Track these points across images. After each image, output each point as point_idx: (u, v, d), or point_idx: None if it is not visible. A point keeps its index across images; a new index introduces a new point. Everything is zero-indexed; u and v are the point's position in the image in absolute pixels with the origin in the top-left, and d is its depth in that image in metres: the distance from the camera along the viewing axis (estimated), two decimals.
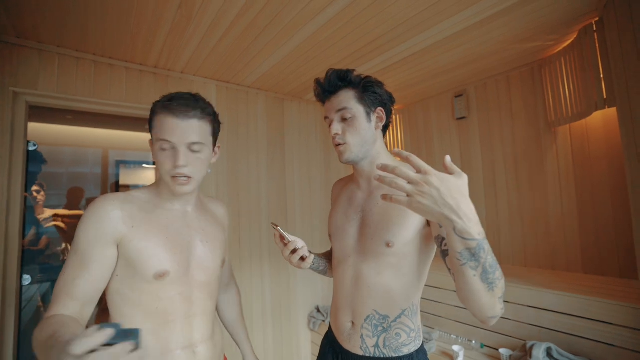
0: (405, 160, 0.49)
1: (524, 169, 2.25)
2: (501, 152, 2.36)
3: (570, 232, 2.04)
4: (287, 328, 2.46)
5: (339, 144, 0.81)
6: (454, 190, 0.47)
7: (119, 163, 3.44)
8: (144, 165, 3.58)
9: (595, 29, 1.70)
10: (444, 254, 0.63)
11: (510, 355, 1.71)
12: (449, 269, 0.62)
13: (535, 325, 1.75)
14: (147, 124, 0.85)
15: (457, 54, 2.00)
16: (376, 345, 0.77)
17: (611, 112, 1.81)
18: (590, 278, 1.89)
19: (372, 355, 0.77)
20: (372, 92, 0.82)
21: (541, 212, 2.17)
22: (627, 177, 1.60)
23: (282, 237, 0.85)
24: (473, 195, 2.67)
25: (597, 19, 1.69)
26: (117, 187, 3.35)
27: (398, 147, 3.09)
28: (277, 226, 0.85)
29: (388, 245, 0.74)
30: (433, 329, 2.19)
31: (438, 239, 0.67)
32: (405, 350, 0.77)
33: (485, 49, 1.96)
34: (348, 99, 0.80)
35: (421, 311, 2.36)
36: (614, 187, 1.86)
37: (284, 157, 2.59)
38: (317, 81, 0.85)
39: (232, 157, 2.30)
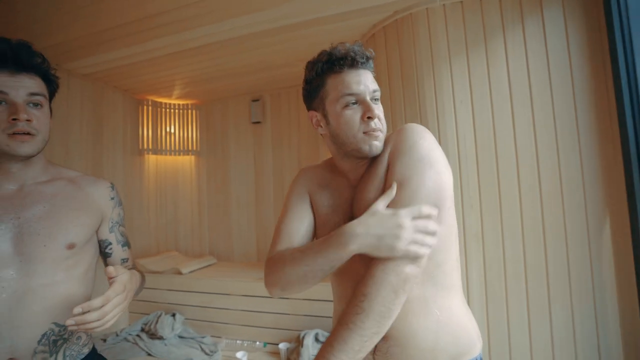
0: None
1: None
2: (289, 159, 2.57)
3: None
4: None
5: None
6: None
7: None
8: None
9: None
10: (106, 255, 0.81)
11: (288, 348, 1.85)
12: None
13: (308, 315, 1.98)
14: None
15: (250, 57, 2.01)
16: None
17: None
18: None
19: None
20: None
21: None
22: None
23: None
24: (265, 201, 2.66)
25: None
26: None
27: (193, 145, 2.84)
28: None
29: None
30: (220, 337, 2.09)
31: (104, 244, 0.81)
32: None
33: (276, 60, 2.06)
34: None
35: (208, 321, 2.23)
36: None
37: None
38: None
39: None
